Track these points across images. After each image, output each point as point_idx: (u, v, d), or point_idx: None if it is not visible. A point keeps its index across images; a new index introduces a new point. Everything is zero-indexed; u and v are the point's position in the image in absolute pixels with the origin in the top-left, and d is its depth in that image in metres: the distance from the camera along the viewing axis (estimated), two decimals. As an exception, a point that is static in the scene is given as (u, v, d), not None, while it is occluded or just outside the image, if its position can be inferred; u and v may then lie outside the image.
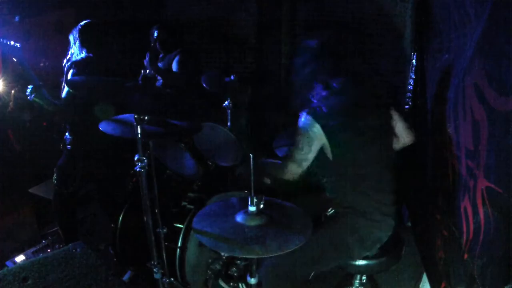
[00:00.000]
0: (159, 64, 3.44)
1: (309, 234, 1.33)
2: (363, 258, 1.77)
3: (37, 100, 2.28)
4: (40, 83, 2.27)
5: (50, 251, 2.74)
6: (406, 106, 3.23)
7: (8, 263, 2.57)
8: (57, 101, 2.39)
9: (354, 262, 1.77)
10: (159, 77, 3.30)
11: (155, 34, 3.35)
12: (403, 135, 1.90)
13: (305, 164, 1.73)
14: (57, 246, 2.79)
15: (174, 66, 3.25)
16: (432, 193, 2.10)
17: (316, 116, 1.65)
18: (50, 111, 2.36)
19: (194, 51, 3.78)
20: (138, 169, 1.59)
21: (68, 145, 2.59)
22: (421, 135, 2.34)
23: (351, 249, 1.72)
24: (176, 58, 3.27)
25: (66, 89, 2.36)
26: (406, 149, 1.97)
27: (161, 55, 3.46)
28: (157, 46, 3.37)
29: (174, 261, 2.09)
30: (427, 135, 2.27)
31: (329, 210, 1.86)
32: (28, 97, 2.27)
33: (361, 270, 1.81)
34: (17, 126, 3.04)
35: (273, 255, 1.25)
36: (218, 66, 4.72)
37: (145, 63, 3.09)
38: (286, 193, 2.01)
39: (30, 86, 2.26)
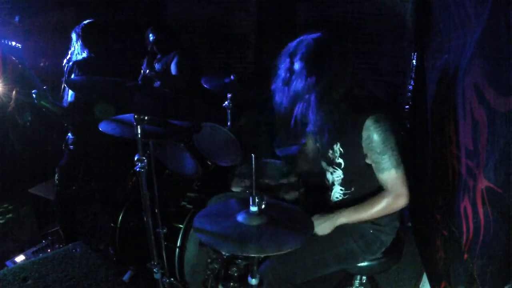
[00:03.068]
0: (157, 65, 3.44)
1: (310, 235, 1.32)
2: (364, 260, 1.76)
3: (43, 103, 2.29)
4: (44, 87, 2.28)
5: (50, 251, 2.73)
6: (406, 106, 3.23)
7: (8, 263, 2.56)
8: (59, 102, 2.39)
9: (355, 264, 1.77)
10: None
11: (151, 36, 3.34)
12: None
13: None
14: (57, 246, 2.79)
15: (173, 69, 3.25)
16: (432, 193, 2.10)
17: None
18: (55, 113, 2.37)
19: (192, 52, 3.78)
20: (138, 169, 1.58)
21: (71, 145, 2.59)
22: (421, 135, 2.35)
23: (356, 255, 1.70)
24: (174, 60, 3.26)
25: (71, 92, 2.37)
26: (406, 149, 1.97)
27: (158, 56, 3.46)
28: (155, 48, 3.37)
29: (173, 260, 2.09)
30: (427, 135, 2.27)
31: None
32: (35, 102, 2.28)
33: (361, 271, 1.80)
34: (17, 126, 3.04)
35: (272, 254, 1.24)
36: (218, 66, 4.72)
37: (143, 68, 3.11)
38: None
39: (34, 91, 2.26)
